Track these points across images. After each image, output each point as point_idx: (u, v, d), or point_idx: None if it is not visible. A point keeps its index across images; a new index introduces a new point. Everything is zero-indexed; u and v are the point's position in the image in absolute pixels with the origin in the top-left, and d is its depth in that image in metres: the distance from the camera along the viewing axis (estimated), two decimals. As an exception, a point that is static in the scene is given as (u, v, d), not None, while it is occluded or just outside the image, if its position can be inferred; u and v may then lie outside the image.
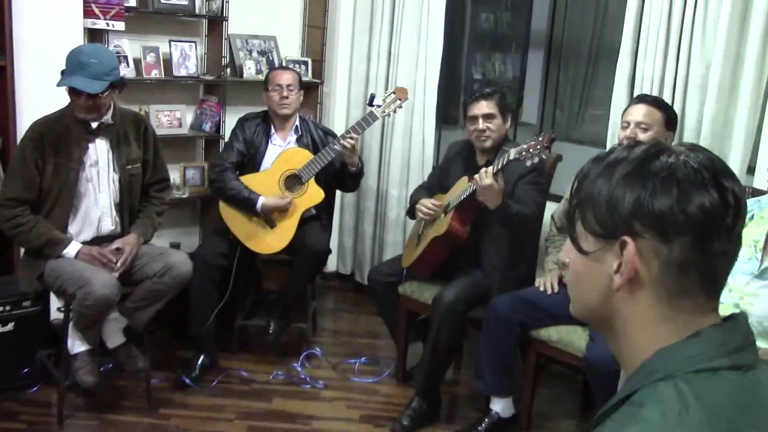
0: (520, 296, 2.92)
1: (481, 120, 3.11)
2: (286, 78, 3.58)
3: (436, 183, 3.43)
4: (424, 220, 3.29)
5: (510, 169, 2.90)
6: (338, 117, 4.45)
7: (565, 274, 2.88)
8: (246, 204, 3.46)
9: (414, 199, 3.39)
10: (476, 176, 2.87)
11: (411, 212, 3.40)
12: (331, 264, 4.61)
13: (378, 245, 4.41)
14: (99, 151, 3.01)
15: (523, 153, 2.77)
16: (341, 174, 3.60)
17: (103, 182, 3.03)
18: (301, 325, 3.76)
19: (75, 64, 2.81)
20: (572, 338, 2.81)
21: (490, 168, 2.86)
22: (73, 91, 2.85)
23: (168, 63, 3.90)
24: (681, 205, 0.88)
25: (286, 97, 3.56)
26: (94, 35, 3.56)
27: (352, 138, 3.45)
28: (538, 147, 2.75)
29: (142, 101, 3.85)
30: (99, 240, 3.06)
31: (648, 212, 0.89)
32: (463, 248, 3.14)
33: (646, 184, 0.89)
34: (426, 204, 3.23)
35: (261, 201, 3.45)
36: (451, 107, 4.84)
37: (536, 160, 2.78)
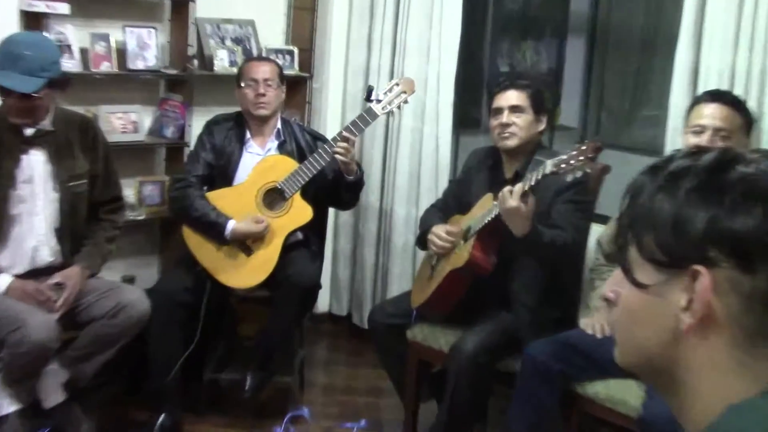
0: (562, 341, 2.91)
1: (506, 112, 3.13)
2: (263, 71, 3.60)
3: (454, 201, 3.45)
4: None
5: (545, 184, 2.89)
6: (331, 119, 4.49)
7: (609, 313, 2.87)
8: (213, 230, 3.48)
9: (425, 225, 3.42)
10: (499, 196, 2.88)
11: (422, 242, 3.42)
12: (323, 302, 4.61)
13: (381, 278, 4.42)
14: (34, 164, 3.02)
15: (563, 166, 2.76)
16: (336, 186, 3.62)
17: (39, 203, 3.04)
18: (285, 380, 3.76)
19: (5, 56, 2.83)
20: (624, 395, 2.80)
21: (517, 187, 2.84)
22: (2, 91, 2.86)
23: (122, 54, 3.93)
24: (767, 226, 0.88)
25: (263, 95, 3.57)
26: (30, 20, 3.59)
27: (346, 140, 3.46)
28: (581, 158, 2.74)
29: (90, 101, 3.87)
30: (35, 273, 3.07)
31: (726, 235, 0.89)
32: (488, 283, 3.14)
33: (723, 200, 0.89)
34: (439, 234, 3.25)
35: (230, 227, 3.46)
36: (471, 107, 4.86)
37: (579, 174, 2.77)
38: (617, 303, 0.99)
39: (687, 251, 0.91)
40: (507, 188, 2.85)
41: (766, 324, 0.90)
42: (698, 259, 0.90)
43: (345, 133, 3.49)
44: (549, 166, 2.79)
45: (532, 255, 3.01)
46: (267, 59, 3.74)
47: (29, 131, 2.97)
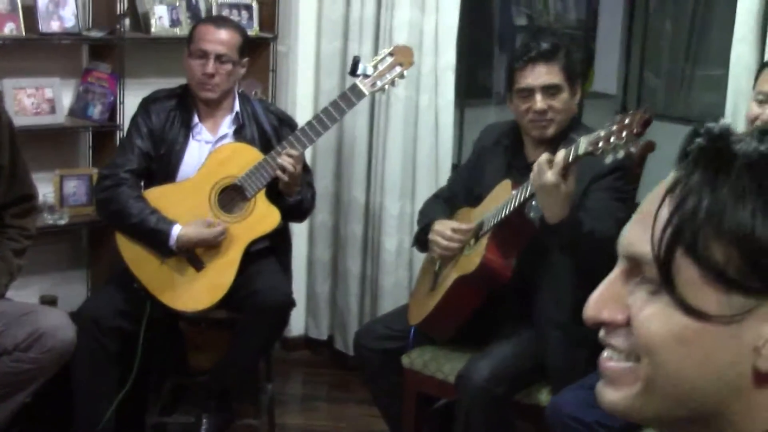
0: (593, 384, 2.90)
1: (539, 95, 3.13)
2: (216, 41, 3.57)
3: (462, 191, 3.46)
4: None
5: (579, 167, 2.87)
6: (302, 93, 4.49)
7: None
8: (153, 238, 3.47)
9: (425, 219, 3.43)
10: (535, 167, 2.86)
11: (421, 242, 3.42)
12: (297, 324, 4.62)
13: (369, 293, 4.43)
14: None
15: (600, 144, 2.72)
16: (277, 200, 3.63)
17: None
18: (250, 422, 3.77)
19: None
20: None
21: (559, 156, 2.82)
22: None
23: (31, 12, 3.90)
24: None
25: (212, 75, 3.56)
26: None
27: (290, 155, 3.46)
28: (624, 134, 2.70)
29: (-8, 74, 3.88)
30: None
31: None
32: (505, 294, 3.13)
33: None
34: (443, 231, 3.25)
35: (175, 233, 3.46)
36: (478, 71, 4.86)
37: (620, 154, 2.75)
38: (638, 331, 0.94)
39: None
40: (545, 156, 2.84)
41: None
42: None
43: (289, 150, 3.47)
44: (584, 144, 2.77)
45: (568, 251, 2.99)
46: (226, 23, 3.69)
47: None
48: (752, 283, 0.88)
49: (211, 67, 3.53)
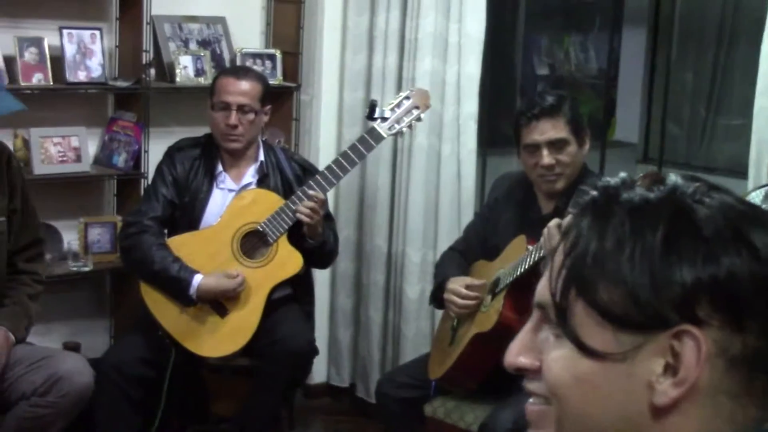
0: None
1: (545, 150, 3.14)
2: (239, 93, 3.60)
3: (478, 242, 3.47)
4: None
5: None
6: (324, 142, 4.53)
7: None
8: (175, 288, 3.49)
9: (440, 276, 3.43)
10: (545, 232, 2.88)
11: (437, 299, 3.43)
12: (319, 371, 4.60)
13: (392, 341, 4.42)
14: None
15: None
16: (299, 244, 3.62)
17: None
18: (272, 471, 3.75)
19: None
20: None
21: (567, 219, 2.83)
22: None
23: (58, 63, 3.96)
24: (757, 269, 0.92)
25: (235, 126, 3.59)
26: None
27: (311, 197, 3.48)
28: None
29: (19, 123, 3.90)
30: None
31: (719, 287, 0.92)
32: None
33: (707, 245, 0.92)
34: (458, 290, 3.27)
35: (196, 282, 3.47)
36: (500, 120, 4.87)
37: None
38: (545, 374, 0.98)
39: (669, 306, 0.92)
40: (554, 222, 2.86)
41: (751, 386, 0.93)
42: (684, 315, 0.92)
43: (309, 192, 3.50)
44: None
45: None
46: (247, 74, 3.71)
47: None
48: (635, 318, 0.92)
49: (233, 118, 3.56)
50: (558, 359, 0.96)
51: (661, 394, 0.92)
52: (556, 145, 3.15)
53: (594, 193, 1.00)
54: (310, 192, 3.49)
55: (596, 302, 0.94)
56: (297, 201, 3.52)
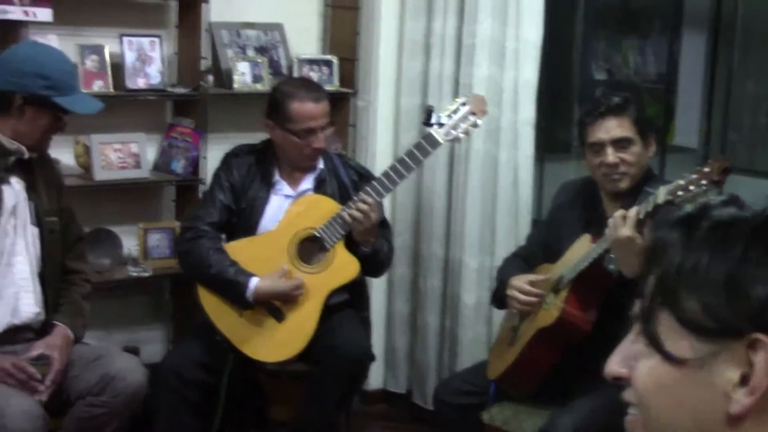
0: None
1: (610, 149, 3.13)
2: (321, 114, 3.62)
3: (540, 248, 3.47)
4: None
5: (658, 218, 2.87)
6: (381, 148, 4.54)
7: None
8: (231, 290, 3.51)
9: (503, 278, 3.43)
10: (610, 222, 2.91)
11: (499, 299, 3.44)
12: (376, 377, 4.62)
13: (448, 347, 4.41)
14: (17, 194, 3.13)
15: (680, 193, 2.77)
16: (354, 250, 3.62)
17: (19, 241, 3.13)
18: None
19: (67, 74, 3.16)
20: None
21: (633, 211, 2.87)
22: (61, 113, 3.16)
23: (118, 70, 4.02)
24: None
25: (319, 150, 3.63)
26: (4, 30, 3.67)
27: (366, 202, 3.48)
28: (704, 183, 2.74)
29: (79, 130, 3.92)
30: (13, 332, 3.13)
31: None
32: (587, 348, 3.09)
33: None
34: (521, 287, 3.26)
35: (252, 285, 3.49)
36: (558, 126, 4.85)
37: (700, 203, 2.75)
38: (634, 381, 1.03)
39: (744, 317, 0.95)
40: (620, 212, 2.89)
41: None
42: (758, 326, 0.95)
43: (363, 196, 3.50)
44: (663, 193, 2.81)
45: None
46: (319, 93, 3.69)
47: (14, 156, 3.12)
48: (711, 326, 0.97)
49: (321, 141, 3.60)
50: (645, 367, 1.02)
51: (735, 402, 0.95)
52: (620, 144, 3.13)
53: (689, 207, 1.05)
54: (363, 197, 3.50)
55: (677, 311, 0.99)
56: (353, 207, 3.53)
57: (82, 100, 3.22)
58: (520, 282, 3.27)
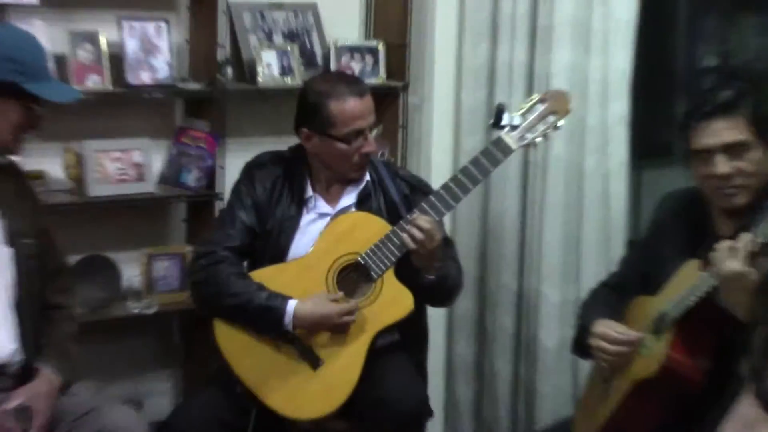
0: None
1: (720, 157, 3.09)
2: (368, 111, 3.62)
3: (635, 277, 3.45)
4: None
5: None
6: (439, 154, 4.54)
7: None
8: (264, 318, 3.49)
9: (586, 319, 3.41)
10: (715, 253, 2.87)
11: (582, 347, 3.41)
12: (434, 437, 4.57)
13: (524, 399, 4.40)
14: None
15: None
16: (413, 278, 3.59)
17: None
18: None
19: (39, 58, 3.13)
20: None
21: (744, 240, 2.83)
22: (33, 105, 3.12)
23: (117, 62, 4.03)
24: None
25: (368, 155, 3.64)
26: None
27: (424, 222, 3.45)
28: None
29: (70, 134, 3.95)
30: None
31: None
32: (699, 402, 3.05)
33: None
34: (608, 333, 3.23)
35: (291, 308, 3.47)
36: (658, 124, 4.81)
37: None
38: None
39: None
40: (726, 243, 2.85)
41: None
42: None
43: (422, 217, 3.46)
44: None
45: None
46: (362, 86, 3.68)
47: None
48: None
49: (372, 143, 3.62)
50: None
51: None
52: (734, 150, 3.08)
53: None
54: (425, 218, 3.46)
55: None
56: (407, 226, 3.50)
57: (57, 87, 3.24)
58: (607, 328, 3.24)
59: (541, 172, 4.24)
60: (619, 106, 4.09)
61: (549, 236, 4.23)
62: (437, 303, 3.83)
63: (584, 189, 4.17)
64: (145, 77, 4.07)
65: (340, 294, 3.52)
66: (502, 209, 4.39)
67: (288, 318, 3.46)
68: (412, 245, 3.46)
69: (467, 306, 4.50)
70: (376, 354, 3.55)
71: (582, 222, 4.19)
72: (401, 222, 3.53)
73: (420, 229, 3.44)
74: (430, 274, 3.55)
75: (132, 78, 4.04)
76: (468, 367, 4.56)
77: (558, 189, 4.19)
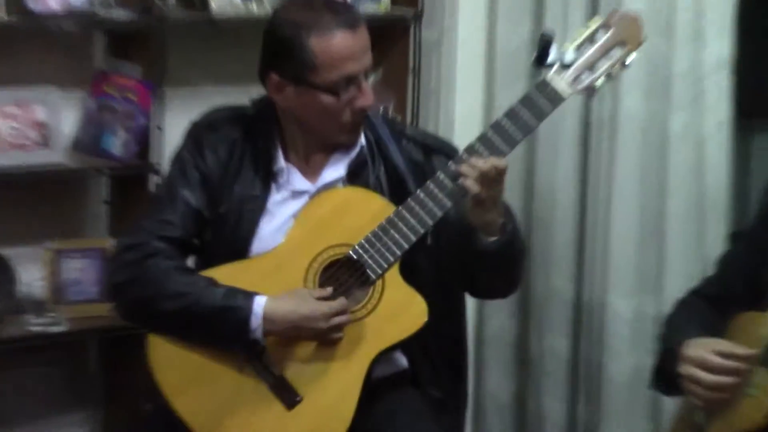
0: None
1: None
2: (362, 48, 3.53)
3: (740, 282, 3.39)
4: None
5: None
6: (464, 108, 4.66)
7: None
8: (222, 326, 3.38)
9: (671, 340, 3.36)
10: None
11: (666, 379, 3.35)
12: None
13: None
14: None
15: None
16: (464, 252, 3.44)
17: None
18: None
19: None
20: None
21: None
22: None
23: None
24: None
25: (365, 108, 3.55)
26: None
27: (477, 159, 3.30)
28: None
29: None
30: None
31: None
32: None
33: None
34: (705, 359, 3.14)
35: (260, 306, 3.35)
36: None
37: None
38: None
39: None
40: None
41: None
42: None
43: (478, 145, 3.36)
44: None
45: None
46: (355, 17, 3.61)
47: None
48: None
49: (368, 96, 3.51)
50: None
51: None
52: None
53: None
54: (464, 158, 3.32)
55: None
56: (419, 209, 3.39)
57: None
58: (704, 352, 3.14)
59: (608, 135, 4.26)
60: (718, 44, 4.09)
61: (619, 226, 4.25)
62: (500, 285, 3.64)
63: (669, 158, 4.17)
64: (53, 2, 4.05)
65: (329, 289, 3.41)
66: (551, 186, 4.46)
67: (256, 321, 3.36)
68: (475, 188, 3.26)
69: (502, 322, 4.63)
70: (376, 385, 3.48)
71: (665, 206, 4.20)
72: (410, 199, 3.38)
73: (476, 165, 3.29)
74: (493, 235, 3.36)
75: (34, 3, 4.01)
76: (504, 404, 4.69)
77: (631, 159, 4.21)
